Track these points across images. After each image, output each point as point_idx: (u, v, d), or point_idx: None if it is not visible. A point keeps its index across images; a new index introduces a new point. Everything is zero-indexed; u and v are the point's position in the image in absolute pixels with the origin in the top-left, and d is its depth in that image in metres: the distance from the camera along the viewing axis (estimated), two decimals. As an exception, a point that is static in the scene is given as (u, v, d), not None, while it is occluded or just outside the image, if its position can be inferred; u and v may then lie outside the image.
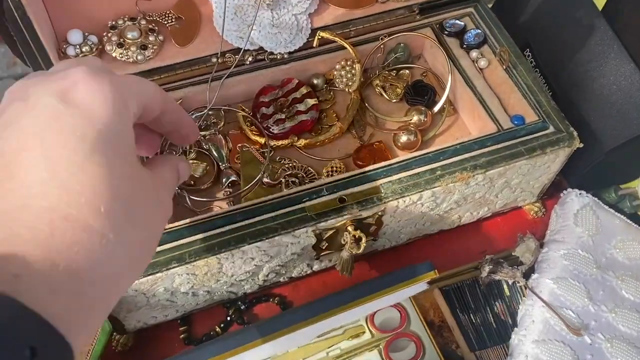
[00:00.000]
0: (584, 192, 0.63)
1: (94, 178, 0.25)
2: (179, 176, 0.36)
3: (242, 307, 0.58)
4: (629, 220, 0.61)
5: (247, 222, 0.48)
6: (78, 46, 0.54)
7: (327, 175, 0.56)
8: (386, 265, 0.61)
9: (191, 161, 0.56)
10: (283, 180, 0.55)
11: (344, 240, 0.51)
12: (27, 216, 0.23)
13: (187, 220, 0.48)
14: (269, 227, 0.48)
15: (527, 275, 0.59)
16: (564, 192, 0.64)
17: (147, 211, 0.28)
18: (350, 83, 0.59)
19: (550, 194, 0.66)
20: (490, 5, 0.82)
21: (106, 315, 0.27)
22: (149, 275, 0.46)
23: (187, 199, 0.53)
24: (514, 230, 0.64)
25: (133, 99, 0.29)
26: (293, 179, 0.55)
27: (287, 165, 0.56)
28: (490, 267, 0.58)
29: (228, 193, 0.54)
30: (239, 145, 0.57)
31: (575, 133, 0.54)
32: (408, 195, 0.50)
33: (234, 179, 0.55)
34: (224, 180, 0.55)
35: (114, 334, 0.53)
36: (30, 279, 0.22)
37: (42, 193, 0.24)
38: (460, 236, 0.63)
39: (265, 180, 0.55)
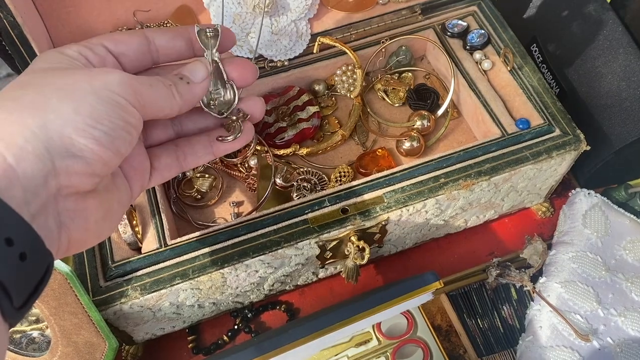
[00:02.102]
0: (592, 192, 0.62)
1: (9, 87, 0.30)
2: (184, 75, 0.36)
3: (249, 316, 0.58)
4: (638, 220, 0.60)
5: (249, 235, 0.48)
6: (77, 60, 0.54)
7: (336, 181, 0.55)
8: (392, 270, 0.61)
9: (199, 175, 0.56)
10: (295, 183, 0.55)
11: (348, 250, 0.51)
12: None
13: (190, 236, 0.48)
14: (271, 240, 0.48)
15: (535, 278, 0.58)
16: (573, 191, 0.63)
17: (62, 82, 0.30)
18: (351, 88, 0.58)
19: (559, 193, 0.65)
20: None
21: (47, 168, 0.27)
22: (153, 292, 0.46)
23: (188, 214, 0.53)
24: (522, 231, 0.63)
25: (71, 47, 0.34)
26: (305, 184, 0.55)
27: (301, 170, 0.56)
28: (498, 271, 0.57)
29: (235, 215, 0.54)
30: (257, 153, 0.57)
31: (582, 136, 0.53)
32: (411, 204, 0.50)
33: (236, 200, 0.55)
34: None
35: (124, 344, 0.54)
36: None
37: None
38: (467, 239, 0.62)
39: (278, 181, 0.55)
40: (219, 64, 0.37)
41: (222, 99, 0.38)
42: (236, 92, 0.38)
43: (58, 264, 0.44)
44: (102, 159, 0.29)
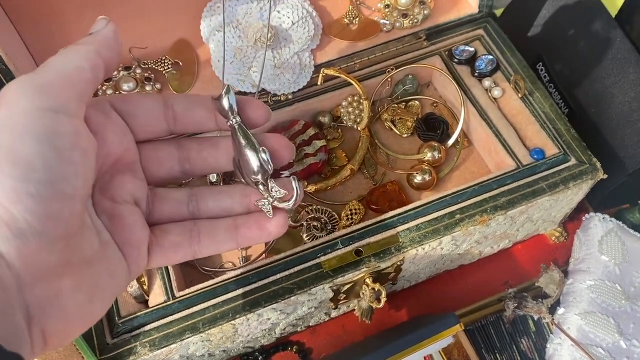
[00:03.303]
0: (607, 217, 0.60)
1: None
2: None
3: (259, 358, 0.56)
4: (656, 244, 0.59)
5: (260, 283, 0.46)
6: (73, 103, 0.52)
7: (347, 219, 0.53)
8: (406, 304, 0.59)
9: None
10: (305, 223, 0.53)
11: (363, 293, 0.49)
12: None
13: (199, 287, 0.46)
14: (284, 287, 0.46)
15: (552, 309, 0.57)
16: (586, 216, 0.61)
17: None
18: (358, 120, 0.57)
19: (572, 217, 0.63)
20: (498, 13, 0.79)
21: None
22: (163, 347, 0.44)
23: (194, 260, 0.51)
24: (536, 258, 0.62)
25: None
26: (315, 223, 0.53)
27: (310, 208, 0.54)
28: (515, 304, 0.56)
29: (244, 259, 0.52)
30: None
31: (598, 164, 0.52)
32: (427, 243, 0.48)
33: None
34: None
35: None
36: None
37: None
38: (480, 268, 0.61)
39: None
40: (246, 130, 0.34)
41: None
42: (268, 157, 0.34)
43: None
44: (49, 216, 0.24)
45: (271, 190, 0.35)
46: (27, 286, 0.24)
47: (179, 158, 0.34)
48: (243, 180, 0.35)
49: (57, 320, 0.25)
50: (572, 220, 0.64)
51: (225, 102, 0.33)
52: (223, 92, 0.33)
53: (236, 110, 0.34)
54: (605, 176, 0.52)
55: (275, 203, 0.35)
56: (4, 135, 0.24)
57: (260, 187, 0.35)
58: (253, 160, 0.33)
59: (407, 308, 0.59)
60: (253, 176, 0.34)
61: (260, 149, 0.34)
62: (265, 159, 0.34)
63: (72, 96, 0.26)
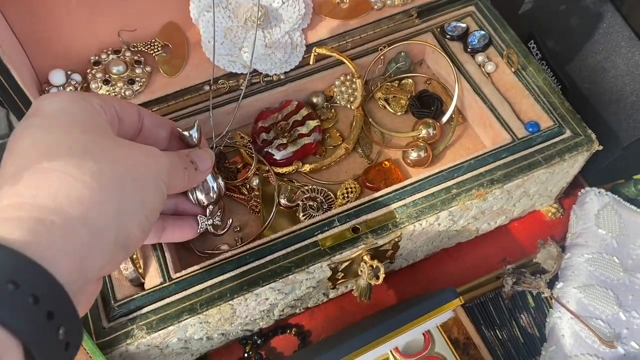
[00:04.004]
0: (602, 191, 0.60)
1: (45, 138, 0.29)
2: (194, 160, 0.40)
3: (258, 342, 0.55)
4: (652, 216, 0.59)
5: (258, 263, 0.46)
6: (61, 87, 0.51)
7: (343, 198, 0.53)
8: (404, 283, 0.59)
9: None
10: (300, 203, 0.52)
11: (361, 270, 0.49)
12: (13, 178, 0.27)
13: (195, 268, 0.46)
14: (281, 266, 0.46)
15: (551, 284, 0.57)
16: (582, 190, 0.61)
17: (116, 151, 0.31)
18: (351, 99, 0.56)
19: (567, 192, 0.63)
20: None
21: (106, 257, 0.28)
22: (160, 329, 0.44)
23: (190, 243, 0.50)
24: (533, 234, 0.62)
25: (95, 98, 0.34)
26: (311, 203, 0.52)
27: (305, 188, 0.53)
28: (513, 279, 0.55)
29: (240, 240, 0.52)
30: (259, 173, 0.54)
31: (593, 135, 0.51)
32: (424, 218, 0.48)
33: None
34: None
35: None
36: (20, 223, 0.24)
37: (8, 171, 0.27)
38: (478, 246, 0.60)
39: (282, 202, 0.52)
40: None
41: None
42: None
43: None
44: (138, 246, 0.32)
45: (214, 215, 0.46)
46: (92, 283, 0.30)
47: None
48: (191, 196, 0.45)
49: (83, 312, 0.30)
50: (568, 196, 0.64)
51: (193, 136, 0.43)
52: (194, 128, 0.43)
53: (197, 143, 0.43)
54: (601, 147, 0.52)
55: (209, 227, 0.47)
56: (150, 183, 0.32)
57: (208, 208, 0.46)
58: (211, 184, 0.45)
59: (405, 287, 0.59)
60: (205, 196, 0.45)
61: (218, 177, 0.46)
62: (219, 185, 0.46)
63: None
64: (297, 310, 0.55)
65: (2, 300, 0.22)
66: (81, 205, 0.26)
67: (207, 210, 0.46)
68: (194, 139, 0.43)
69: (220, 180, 0.46)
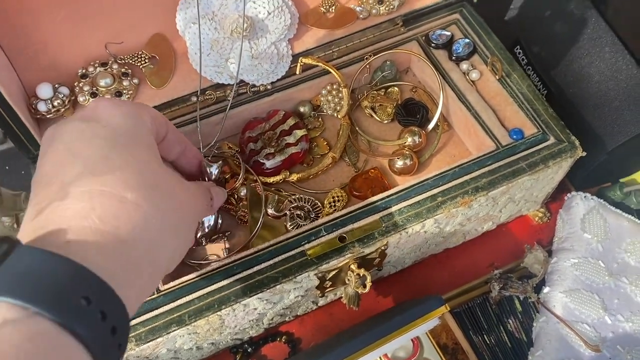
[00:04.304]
0: (588, 195, 0.61)
1: (121, 162, 0.30)
2: (212, 196, 0.41)
3: (249, 350, 0.56)
4: (637, 220, 0.59)
5: (245, 273, 0.46)
6: (49, 100, 0.51)
7: (330, 207, 0.53)
8: (393, 290, 0.59)
9: None
10: (288, 212, 0.53)
11: (348, 279, 0.49)
12: (69, 201, 0.27)
13: (184, 279, 0.46)
14: (269, 276, 0.46)
15: (538, 288, 0.57)
16: (568, 195, 0.62)
17: (174, 186, 0.33)
18: (338, 108, 0.57)
19: (554, 196, 0.64)
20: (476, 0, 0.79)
21: (157, 276, 0.31)
22: (149, 341, 0.44)
23: None
24: (520, 239, 0.62)
25: (145, 112, 0.35)
26: (298, 212, 0.53)
27: (293, 198, 0.54)
28: (500, 284, 0.56)
29: (227, 250, 0.52)
30: (246, 183, 0.55)
31: (577, 142, 0.52)
32: (410, 226, 0.48)
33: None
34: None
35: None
36: (79, 245, 0.26)
37: (77, 181, 0.28)
38: (466, 251, 0.61)
39: (270, 211, 0.53)
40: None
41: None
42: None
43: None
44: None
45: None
46: None
47: None
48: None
49: None
50: (555, 200, 0.64)
51: (213, 174, 0.47)
52: (215, 166, 0.47)
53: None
54: (584, 154, 0.52)
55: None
56: (193, 224, 0.37)
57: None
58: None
59: (394, 294, 0.59)
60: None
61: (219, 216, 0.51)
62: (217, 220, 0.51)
63: None
64: (287, 319, 0.56)
65: (79, 315, 0.24)
66: (148, 241, 0.29)
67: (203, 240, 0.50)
68: (212, 176, 0.46)
69: (219, 219, 0.51)
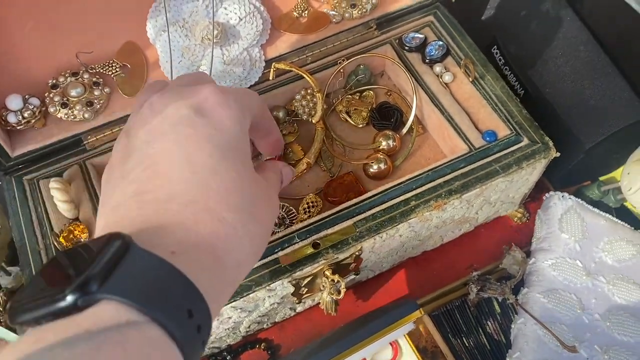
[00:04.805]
0: (566, 195, 0.61)
1: (226, 179, 0.29)
2: (282, 179, 0.40)
3: (227, 358, 0.56)
4: (614, 219, 0.59)
5: (218, 282, 0.46)
6: (19, 112, 0.51)
7: (305, 213, 0.53)
8: (372, 294, 0.59)
9: None
10: None
11: (323, 285, 0.49)
12: (175, 207, 0.27)
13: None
14: (242, 285, 0.46)
15: (517, 289, 0.57)
16: (547, 195, 0.62)
17: (264, 209, 0.32)
18: (313, 113, 0.56)
19: (533, 196, 0.64)
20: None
21: (230, 295, 0.31)
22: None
23: None
24: (499, 240, 0.62)
25: (247, 111, 0.33)
26: None
27: None
28: (478, 287, 0.56)
29: None
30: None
31: (550, 143, 0.52)
32: (384, 231, 0.48)
33: None
34: None
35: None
36: (183, 256, 0.26)
37: (185, 189, 0.28)
38: (444, 253, 0.61)
39: None
40: None
41: None
42: None
43: (7, 334, 0.42)
44: None
45: None
46: None
47: None
48: None
49: None
50: (534, 200, 0.64)
51: None
52: None
53: None
54: (558, 154, 0.52)
55: None
56: (271, 222, 0.35)
57: None
58: None
59: (374, 297, 0.59)
60: None
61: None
62: None
63: None
64: (265, 326, 0.55)
65: (183, 327, 0.24)
66: (236, 262, 0.29)
67: None
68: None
69: None
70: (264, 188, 0.34)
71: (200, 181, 0.29)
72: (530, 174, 0.53)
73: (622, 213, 0.63)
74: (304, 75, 0.55)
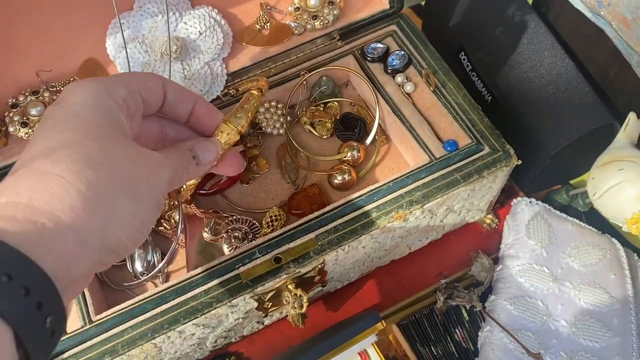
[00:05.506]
0: (534, 200, 0.61)
1: (65, 142, 0.29)
2: (197, 155, 0.38)
3: (198, 373, 0.55)
4: (581, 223, 0.60)
5: (179, 300, 0.46)
6: (-21, 132, 0.51)
7: (268, 226, 0.53)
8: (342, 304, 0.59)
9: None
10: (225, 235, 0.53)
11: (287, 300, 0.49)
12: (4, 182, 0.28)
13: (116, 309, 0.46)
14: (202, 302, 0.46)
15: (485, 297, 0.57)
16: (514, 200, 0.62)
17: (129, 177, 0.31)
18: (277, 125, 0.56)
19: (502, 202, 0.64)
20: (422, 2, 0.79)
21: (92, 262, 0.29)
22: (82, 374, 0.44)
23: (108, 281, 0.51)
24: (469, 247, 0.62)
25: (120, 88, 0.33)
26: (236, 234, 0.52)
27: (230, 219, 0.53)
28: (445, 295, 0.56)
29: (164, 276, 0.52)
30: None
31: (512, 151, 0.52)
32: (346, 243, 0.48)
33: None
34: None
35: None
36: (14, 222, 0.26)
37: (18, 163, 0.29)
38: (414, 262, 0.61)
39: (205, 235, 0.53)
40: None
41: None
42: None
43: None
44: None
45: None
46: (82, 279, 0.30)
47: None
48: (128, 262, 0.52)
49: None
50: (503, 206, 0.64)
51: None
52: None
53: None
54: (520, 162, 0.52)
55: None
56: (146, 198, 0.32)
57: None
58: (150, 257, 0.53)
59: (344, 308, 0.59)
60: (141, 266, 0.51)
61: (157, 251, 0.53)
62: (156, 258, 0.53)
63: None
64: (233, 340, 0.55)
65: (9, 299, 0.23)
66: (72, 212, 0.28)
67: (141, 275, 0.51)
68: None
69: (157, 254, 0.52)
70: (138, 158, 0.32)
71: (33, 140, 0.30)
72: (493, 182, 0.53)
73: (592, 217, 0.63)
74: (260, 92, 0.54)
